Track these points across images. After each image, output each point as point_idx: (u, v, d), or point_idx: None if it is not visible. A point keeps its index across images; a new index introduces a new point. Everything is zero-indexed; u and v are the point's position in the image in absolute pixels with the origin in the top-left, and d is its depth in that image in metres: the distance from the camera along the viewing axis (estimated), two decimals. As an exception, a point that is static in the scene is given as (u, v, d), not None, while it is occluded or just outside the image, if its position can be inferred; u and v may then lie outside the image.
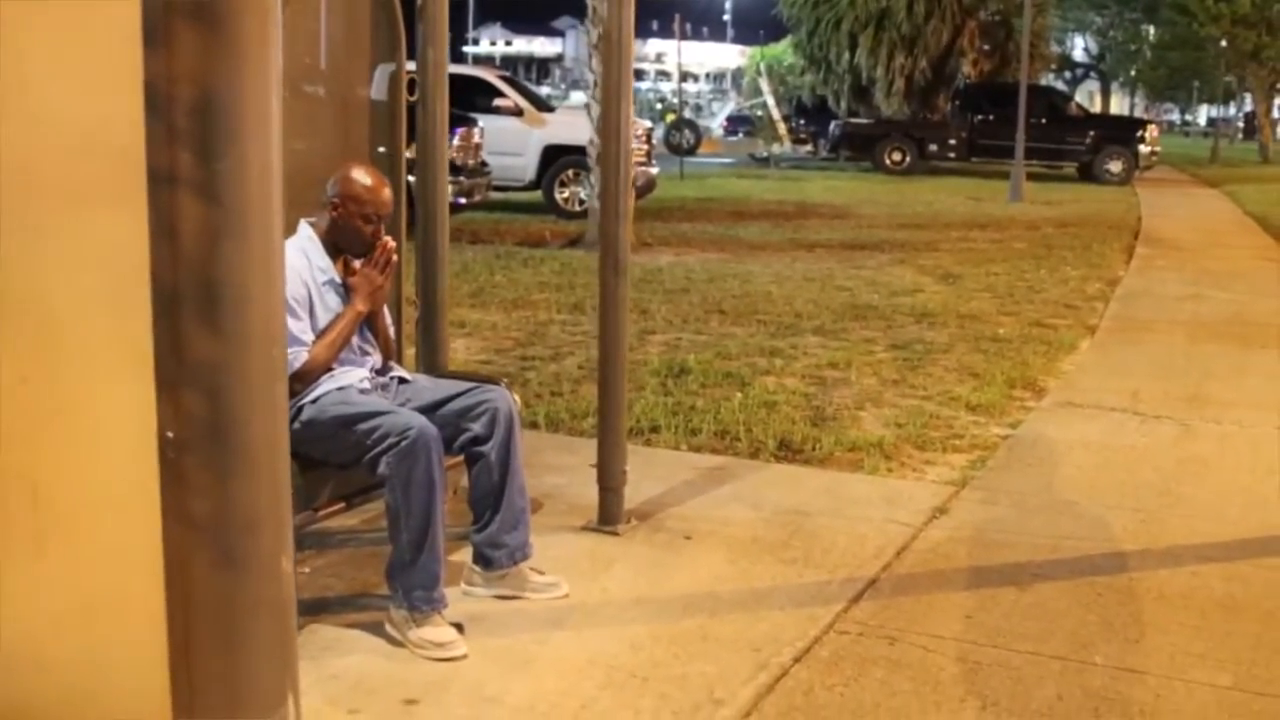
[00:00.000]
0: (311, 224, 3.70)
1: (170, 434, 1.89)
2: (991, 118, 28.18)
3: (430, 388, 3.78)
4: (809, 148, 35.99)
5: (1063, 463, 5.55)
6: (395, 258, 3.76)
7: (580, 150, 14.22)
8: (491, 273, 10.81)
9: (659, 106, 55.26)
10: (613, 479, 4.41)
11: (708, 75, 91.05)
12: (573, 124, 16.64)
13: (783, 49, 46.90)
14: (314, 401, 3.50)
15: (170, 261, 1.87)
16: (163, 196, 1.86)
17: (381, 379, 3.74)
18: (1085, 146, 27.64)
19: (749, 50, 68.43)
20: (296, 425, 3.41)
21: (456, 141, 13.44)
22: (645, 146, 17.06)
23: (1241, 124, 65.98)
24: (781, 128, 35.70)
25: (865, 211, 18.60)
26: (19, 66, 2.09)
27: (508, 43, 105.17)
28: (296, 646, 2.10)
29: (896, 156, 29.19)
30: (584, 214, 14.79)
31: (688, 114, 43.19)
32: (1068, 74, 67.44)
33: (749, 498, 4.84)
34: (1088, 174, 27.26)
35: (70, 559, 2.20)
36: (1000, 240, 14.83)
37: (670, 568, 4.12)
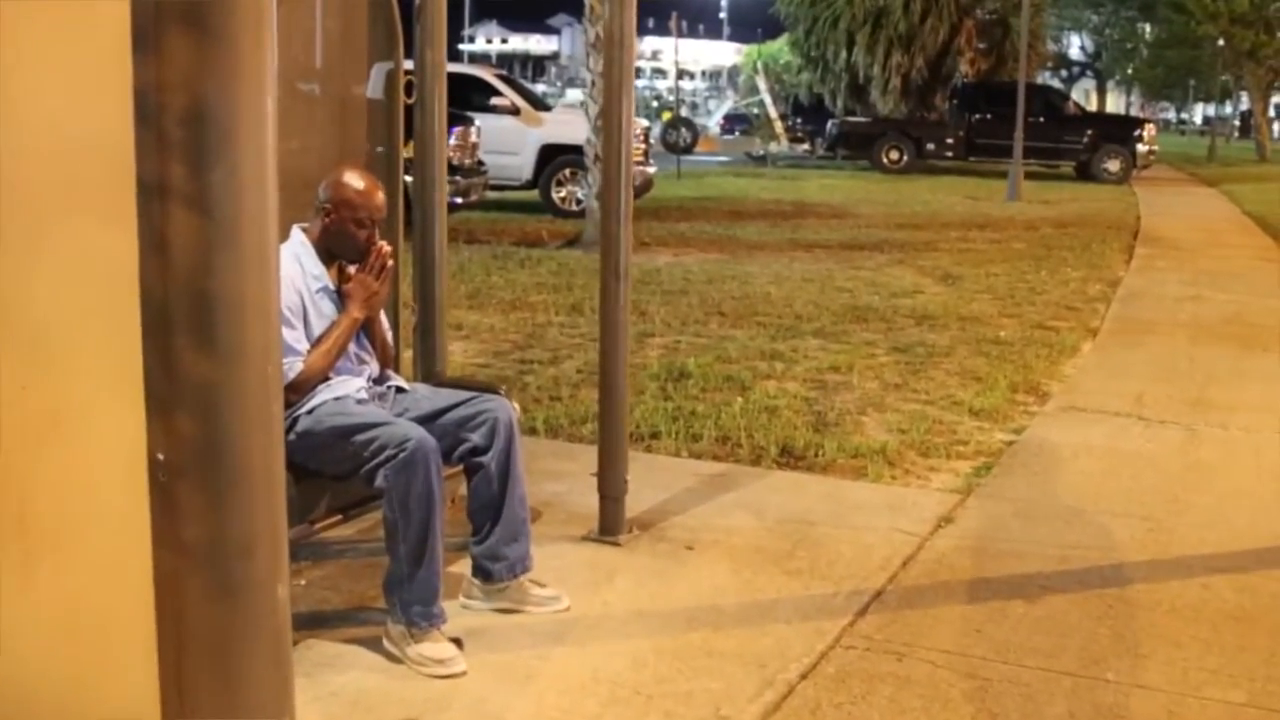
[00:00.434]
0: (304, 229, 3.62)
1: (161, 456, 1.82)
2: (989, 116, 28.10)
3: (429, 397, 3.70)
4: (806, 146, 35.90)
5: (1068, 469, 5.49)
6: (391, 262, 3.68)
7: (577, 149, 14.14)
8: (488, 273, 10.73)
9: (655, 104, 55.20)
10: (614, 488, 4.33)
11: (703, 73, 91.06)
12: (569, 123, 16.56)
13: (778, 47, 46.83)
14: (310, 412, 3.42)
15: (161, 275, 1.79)
16: (153, 208, 1.78)
17: (379, 388, 3.66)
18: (1083, 145, 27.60)
19: (744, 48, 68.40)
20: (292, 436, 3.34)
21: (453, 141, 13.35)
22: (643, 145, 16.99)
23: (1238, 122, 65.94)
24: (779, 126, 35.61)
25: (863, 211, 18.53)
26: (1, 73, 2.02)
27: (503, 40, 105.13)
28: (293, 673, 2.03)
29: (894, 155, 29.13)
30: (581, 213, 14.71)
31: (684, 112, 43.13)
32: (1063, 72, 67.41)
33: (751, 506, 4.77)
34: (1085, 173, 27.22)
35: (59, 581, 2.13)
36: (999, 240, 14.76)
37: (673, 579, 4.04)
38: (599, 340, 4.36)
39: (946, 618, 3.85)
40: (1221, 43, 42.90)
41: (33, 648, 2.17)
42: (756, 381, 6.86)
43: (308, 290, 3.53)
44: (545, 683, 3.30)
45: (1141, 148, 27.46)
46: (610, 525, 4.33)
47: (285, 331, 3.32)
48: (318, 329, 3.53)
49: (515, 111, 16.84)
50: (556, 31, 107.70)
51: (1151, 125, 30.34)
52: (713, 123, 49.90)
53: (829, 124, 32.28)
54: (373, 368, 3.70)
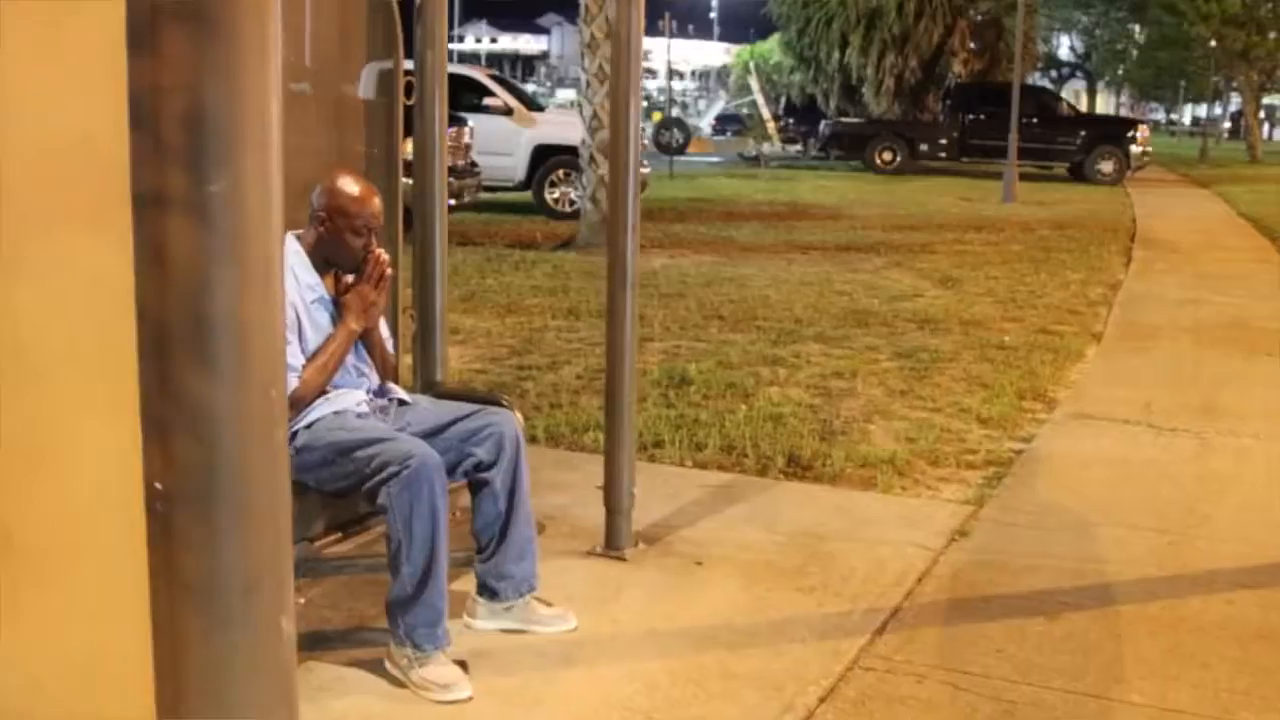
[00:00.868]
0: (298, 237, 3.46)
1: (158, 485, 1.69)
2: (982, 117, 28.00)
3: (431, 410, 3.56)
4: (798, 147, 35.82)
5: (1080, 479, 5.38)
6: (390, 271, 3.53)
7: (570, 150, 14.02)
8: (483, 276, 10.60)
9: (644, 104, 55.02)
10: (620, 501, 4.21)
11: (693, 73, 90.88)
12: (563, 123, 16.46)
13: (769, 47, 46.75)
14: (308, 427, 3.29)
15: (158, 291, 1.66)
16: (150, 219, 1.65)
17: (380, 401, 3.53)
18: (1077, 147, 27.52)
19: (734, 48, 68.29)
20: (290, 452, 3.20)
21: (447, 142, 13.21)
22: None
23: (1229, 123, 65.97)
24: (771, 127, 35.49)
25: (858, 212, 18.42)
26: (-9, 73, 1.88)
27: (493, 40, 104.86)
28: (299, 710, 1.90)
29: (887, 156, 29.02)
30: (574, 215, 14.59)
31: (676, 113, 43.00)
32: (1053, 73, 67.49)
33: (760, 518, 4.64)
34: (1079, 174, 27.14)
35: (48, 616, 1.99)
36: (996, 242, 14.66)
37: (683, 596, 3.92)
38: (605, 352, 4.23)
39: (966, 636, 3.73)
40: (1214, 44, 42.88)
41: (20, 685, 2.04)
42: (759, 388, 6.73)
43: (302, 301, 3.39)
44: (554, 708, 3.18)
45: (1135, 149, 27.37)
46: (616, 540, 4.20)
47: (282, 344, 3.19)
48: (314, 342, 3.39)
49: (508, 112, 16.71)
50: (546, 31, 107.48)
51: (1145, 127, 30.25)
52: (705, 123, 49.75)
53: (822, 124, 32.20)
54: (372, 380, 3.56)
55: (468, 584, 3.63)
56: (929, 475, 5.34)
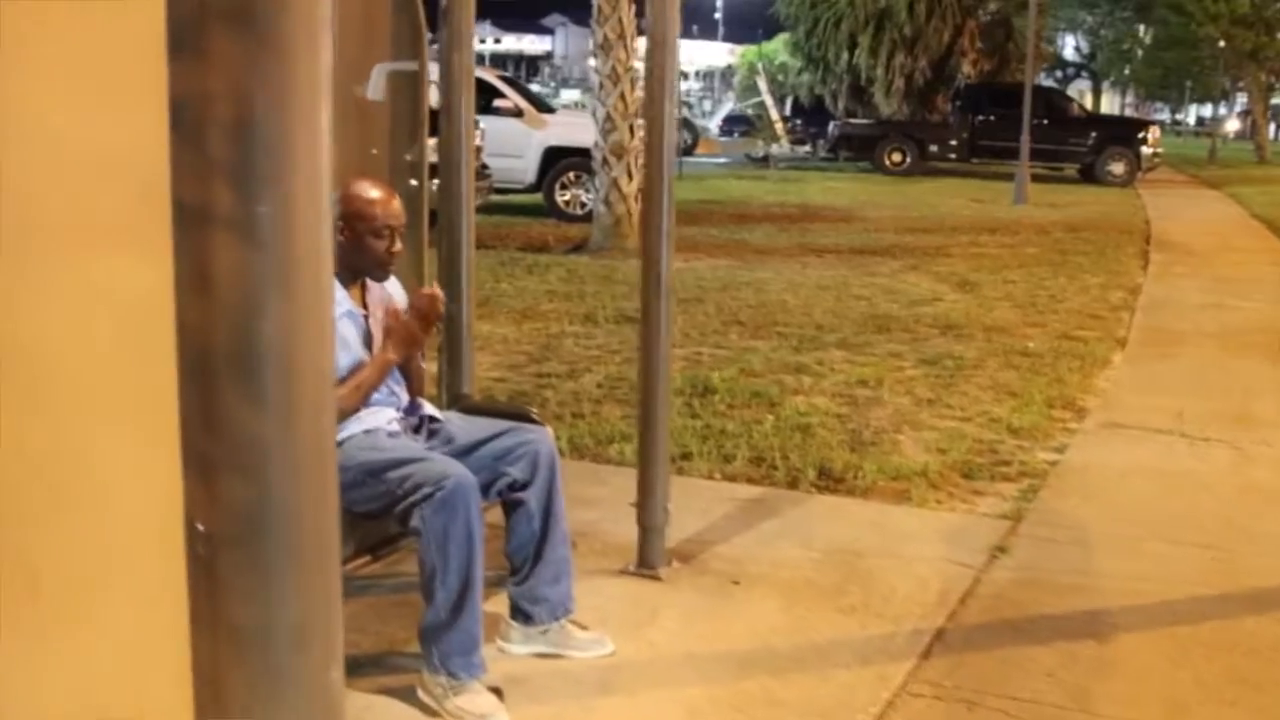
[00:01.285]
0: (322, 248, 3.33)
1: (200, 525, 1.56)
2: (992, 118, 27.85)
3: (464, 427, 3.43)
4: (807, 148, 35.64)
5: (1117, 491, 5.25)
6: (442, 311, 3.38)
7: (581, 152, 13.89)
8: (497, 280, 10.48)
9: (651, 105, 54.77)
10: (654, 518, 4.08)
11: (698, 74, 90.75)
12: (573, 125, 16.34)
13: (774, 47, 46.59)
14: (338, 446, 3.16)
15: (202, 317, 1.53)
16: (193, 239, 1.52)
17: (411, 419, 3.40)
18: (1087, 148, 27.33)
19: (739, 49, 68.19)
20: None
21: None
22: (647, 148, 16.71)
23: (1235, 123, 65.72)
24: (780, 127, 35.33)
25: (869, 214, 18.28)
26: (18, 81, 1.75)
27: (497, 40, 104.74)
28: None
29: (896, 157, 28.85)
30: (585, 217, 14.46)
31: (684, 113, 42.82)
32: (1059, 73, 67.28)
33: (795, 534, 4.51)
34: (1090, 175, 26.97)
35: (78, 660, 1.87)
36: (1012, 245, 14.52)
37: (721, 618, 3.79)
38: (639, 363, 4.10)
39: (1015, 660, 3.61)
40: (1222, 44, 42.69)
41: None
42: (785, 397, 6.60)
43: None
44: (595, 739, 3.05)
45: (1146, 150, 27.19)
46: (650, 558, 4.08)
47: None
48: (341, 356, 3.26)
49: (518, 113, 16.59)
50: (550, 31, 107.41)
51: (1156, 128, 30.07)
52: (713, 124, 49.59)
53: (831, 125, 32.00)
54: (402, 397, 3.43)
55: (499, 604, 3.51)
56: (963, 488, 5.21)
